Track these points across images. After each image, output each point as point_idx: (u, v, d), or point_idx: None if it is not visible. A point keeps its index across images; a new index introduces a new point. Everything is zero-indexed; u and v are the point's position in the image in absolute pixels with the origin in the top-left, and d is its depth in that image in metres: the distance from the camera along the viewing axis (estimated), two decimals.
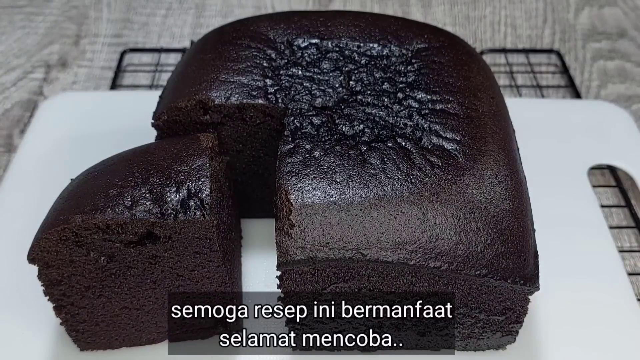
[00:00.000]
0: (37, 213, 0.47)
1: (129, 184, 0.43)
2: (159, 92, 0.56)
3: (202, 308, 0.49)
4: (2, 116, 0.77)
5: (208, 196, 0.43)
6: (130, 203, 0.42)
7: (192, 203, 0.43)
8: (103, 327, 0.49)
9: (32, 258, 0.43)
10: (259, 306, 0.55)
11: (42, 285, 0.45)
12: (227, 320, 0.51)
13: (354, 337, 0.50)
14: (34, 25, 0.91)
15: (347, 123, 0.48)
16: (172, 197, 0.43)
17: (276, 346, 0.52)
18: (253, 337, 0.53)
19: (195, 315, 0.50)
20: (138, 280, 0.46)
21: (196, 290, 0.47)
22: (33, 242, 0.43)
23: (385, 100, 0.50)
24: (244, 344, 0.52)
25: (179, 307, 0.49)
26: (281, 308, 0.47)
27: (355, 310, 0.47)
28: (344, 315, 0.48)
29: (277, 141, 0.50)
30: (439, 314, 0.47)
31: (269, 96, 0.50)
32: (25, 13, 0.93)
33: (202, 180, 0.44)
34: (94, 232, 0.42)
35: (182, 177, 0.44)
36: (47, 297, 0.46)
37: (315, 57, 0.53)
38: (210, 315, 0.50)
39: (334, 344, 0.51)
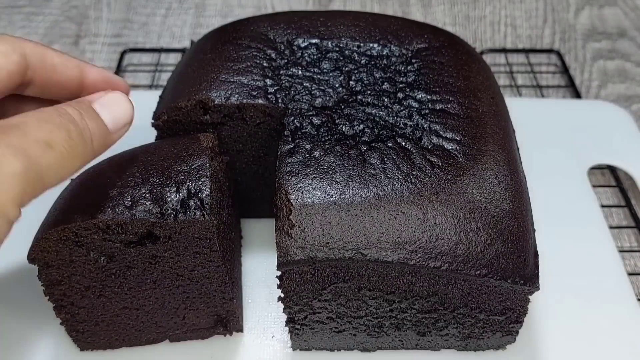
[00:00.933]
0: (37, 213, 0.46)
1: (129, 184, 0.43)
2: (159, 92, 0.56)
3: (202, 308, 0.49)
4: None
5: (208, 196, 0.43)
6: (130, 203, 0.42)
7: (192, 203, 0.43)
8: (103, 327, 0.49)
9: (32, 258, 0.43)
10: (259, 306, 0.55)
11: (42, 285, 0.45)
12: (227, 320, 0.51)
13: (354, 336, 0.50)
14: (34, 25, 0.91)
15: (347, 123, 0.48)
16: (172, 197, 0.43)
17: (276, 346, 0.52)
18: (253, 337, 0.53)
19: (196, 316, 0.50)
20: (138, 280, 0.46)
21: (196, 290, 0.47)
22: (33, 242, 0.43)
23: (385, 100, 0.50)
24: (244, 344, 0.52)
25: (179, 307, 0.49)
26: (281, 308, 0.47)
27: (356, 311, 0.47)
28: (343, 315, 0.48)
29: (277, 141, 0.50)
30: (439, 313, 0.47)
31: (269, 96, 0.50)
32: (25, 13, 0.93)
33: (202, 180, 0.44)
34: (94, 232, 0.42)
35: (182, 177, 0.44)
36: (47, 297, 0.46)
37: (315, 57, 0.53)
38: (210, 315, 0.50)
39: (334, 344, 0.52)
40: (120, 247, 0.43)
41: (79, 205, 0.43)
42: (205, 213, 0.42)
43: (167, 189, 0.43)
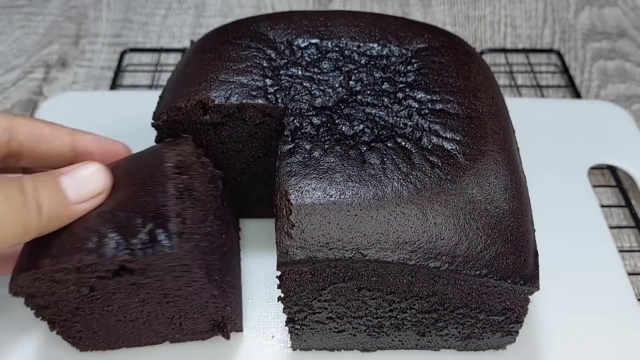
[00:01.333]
0: None
1: (94, 219, 0.42)
2: (159, 92, 0.56)
3: (197, 317, 0.49)
4: None
5: (175, 224, 0.41)
6: (97, 241, 0.40)
7: (160, 233, 0.41)
8: (101, 334, 0.49)
9: (13, 292, 0.43)
10: (259, 306, 0.55)
11: (31, 309, 0.45)
12: (224, 324, 0.50)
13: (354, 337, 0.50)
14: (33, 25, 0.91)
15: (347, 123, 0.48)
16: (139, 229, 0.41)
17: (276, 346, 0.52)
18: (253, 337, 0.53)
19: (192, 322, 0.49)
20: (125, 301, 0.45)
21: (187, 303, 0.47)
22: (11, 280, 0.42)
23: (385, 100, 0.50)
24: (244, 344, 0.52)
25: (174, 317, 0.48)
26: (281, 308, 0.47)
27: (356, 311, 0.47)
28: (343, 315, 0.48)
29: (277, 141, 0.50)
30: (439, 314, 0.47)
31: (269, 96, 0.50)
32: (24, 13, 0.93)
33: (167, 206, 0.42)
34: (67, 274, 0.41)
35: (146, 206, 0.42)
36: (40, 318, 0.46)
37: (315, 57, 0.53)
38: (206, 321, 0.50)
39: (334, 344, 0.51)
40: (97, 280, 0.42)
41: (47, 247, 0.41)
42: (173, 244, 0.40)
43: (133, 221, 0.41)
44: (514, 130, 0.53)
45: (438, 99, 0.50)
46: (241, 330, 0.53)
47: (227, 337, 0.51)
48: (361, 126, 0.48)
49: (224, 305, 0.48)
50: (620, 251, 0.61)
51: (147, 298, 0.46)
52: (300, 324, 0.49)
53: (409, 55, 0.53)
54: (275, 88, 0.51)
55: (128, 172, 0.45)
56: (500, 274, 0.43)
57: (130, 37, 0.89)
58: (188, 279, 0.44)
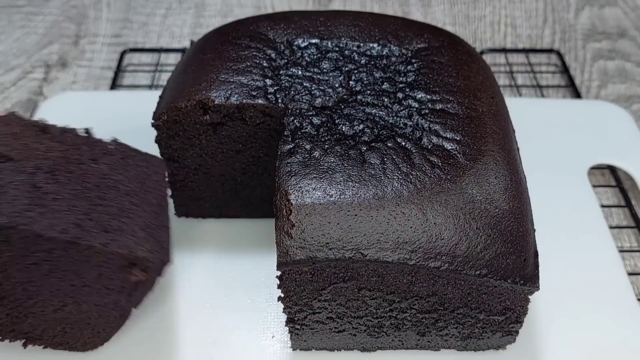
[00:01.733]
0: None
1: None
2: (159, 92, 0.56)
3: (104, 270, 0.47)
4: None
5: None
6: None
7: None
8: (75, 331, 0.49)
9: None
10: (259, 306, 0.55)
11: None
12: (137, 264, 0.48)
13: (354, 336, 0.50)
14: (34, 25, 0.91)
15: (347, 123, 0.48)
16: None
17: (276, 346, 0.52)
18: (253, 337, 0.53)
19: (110, 278, 0.47)
20: (25, 287, 0.45)
21: (67, 265, 0.45)
22: None
23: (385, 100, 0.50)
24: (244, 344, 0.52)
25: (88, 285, 0.47)
26: (281, 308, 0.47)
27: (356, 311, 0.47)
28: (343, 315, 0.48)
29: (277, 141, 0.50)
30: (439, 314, 0.47)
31: (269, 96, 0.50)
32: (24, 13, 0.93)
33: None
34: None
35: None
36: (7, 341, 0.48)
37: (315, 57, 0.53)
38: (121, 269, 0.47)
39: (334, 344, 0.51)
40: None
41: None
42: None
43: None
44: (514, 130, 0.53)
45: (438, 98, 0.50)
46: (169, 261, 0.49)
47: (143, 275, 0.48)
48: (361, 126, 0.48)
49: (114, 247, 0.45)
50: (620, 251, 0.61)
51: (31, 277, 0.45)
52: (300, 324, 0.49)
53: (409, 55, 0.53)
54: (275, 88, 0.51)
55: None
56: (500, 273, 0.43)
57: (130, 37, 0.89)
58: (16, 235, 0.43)
